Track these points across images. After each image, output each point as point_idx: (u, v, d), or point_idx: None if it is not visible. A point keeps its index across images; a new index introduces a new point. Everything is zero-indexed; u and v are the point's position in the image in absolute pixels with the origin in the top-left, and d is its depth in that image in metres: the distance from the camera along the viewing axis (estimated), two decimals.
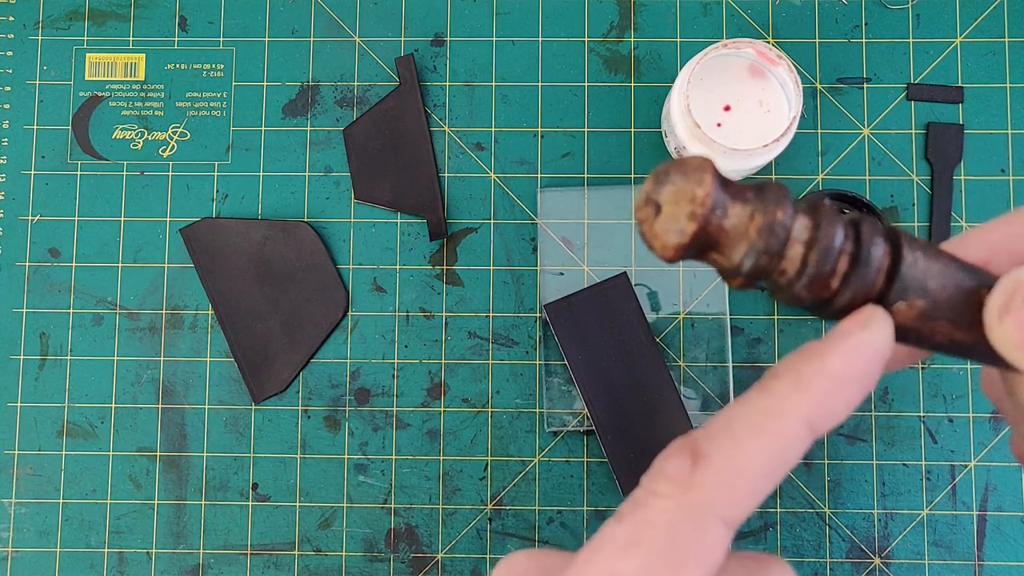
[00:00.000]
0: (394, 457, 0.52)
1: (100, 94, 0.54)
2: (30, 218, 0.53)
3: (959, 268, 0.20)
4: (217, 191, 0.53)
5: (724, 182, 0.19)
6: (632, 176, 0.53)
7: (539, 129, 0.53)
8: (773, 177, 0.52)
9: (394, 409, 0.52)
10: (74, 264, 0.53)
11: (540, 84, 0.54)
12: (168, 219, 0.53)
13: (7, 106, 0.54)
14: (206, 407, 0.52)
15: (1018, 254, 0.22)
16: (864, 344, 0.19)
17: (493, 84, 0.54)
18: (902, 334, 0.20)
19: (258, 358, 0.52)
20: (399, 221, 0.53)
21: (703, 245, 0.19)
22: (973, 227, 0.52)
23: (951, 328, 0.20)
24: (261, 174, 0.53)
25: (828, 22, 0.53)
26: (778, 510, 0.51)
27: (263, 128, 0.54)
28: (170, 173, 0.54)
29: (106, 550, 0.51)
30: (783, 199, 0.19)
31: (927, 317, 0.20)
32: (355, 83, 0.54)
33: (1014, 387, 0.22)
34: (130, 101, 0.54)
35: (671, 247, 0.19)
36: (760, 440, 0.18)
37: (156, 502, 0.52)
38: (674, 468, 0.19)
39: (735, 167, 0.48)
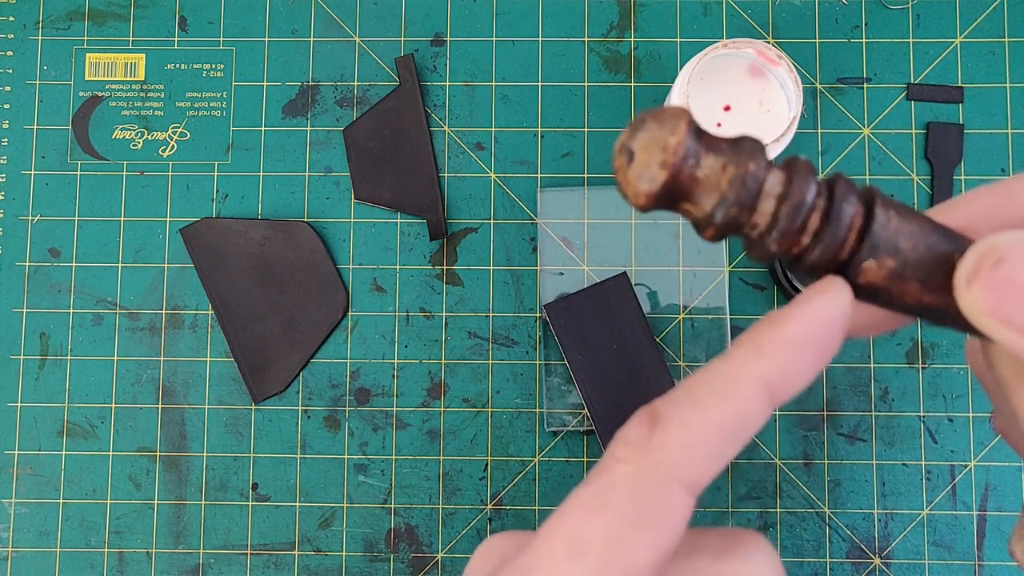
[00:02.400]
0: (394, 457, 0.52)
1: (100, 94, 0.54)
2: (30, 218, 0.53)
3: (934, 230, 0.20)
4: (217, 191, 0.53)
5: (699, 132, 0.19)
6: None
7: (539, 129, 0.53)
8: None
9: (394, 409, 0.52)
10: (74, 264, 0.53)
11: (540, 84, 0.54)
12: (168, 219, 0.53)
13: (7, 106, 0.54)
14: (206, 407, 0.52)
15: (998, 225, 0.21)
16: (821, 309, 0.19)
17: (493, 84, 0.54)
18: (872, 293, 0.20)
19: (258, 358, 0.52)
20: (399, 221, 0.53)
21: (675, 194, 0.19)
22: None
23: (921, 290, 0.20)
24: (261, 174, 0.53)
25: (828, 22, 0.53)
26: (778, 510, 0.51)
27: (263, 128, 0.54)
28: (170, 173, 0.54)
29: (106, 550, 0.51)
30: (757, 152, 0.19)
31: (897, 277, 0.20)
32: (355, 83, 0.54)
33: (992, 358, 0.21)
34: (130, 101, 0.54)
35: (643, 194, 0.19)
36: (717, 403, 0.19)
37: (156, 502, 0.52)
38: (634, 433, 0.19)
39: None
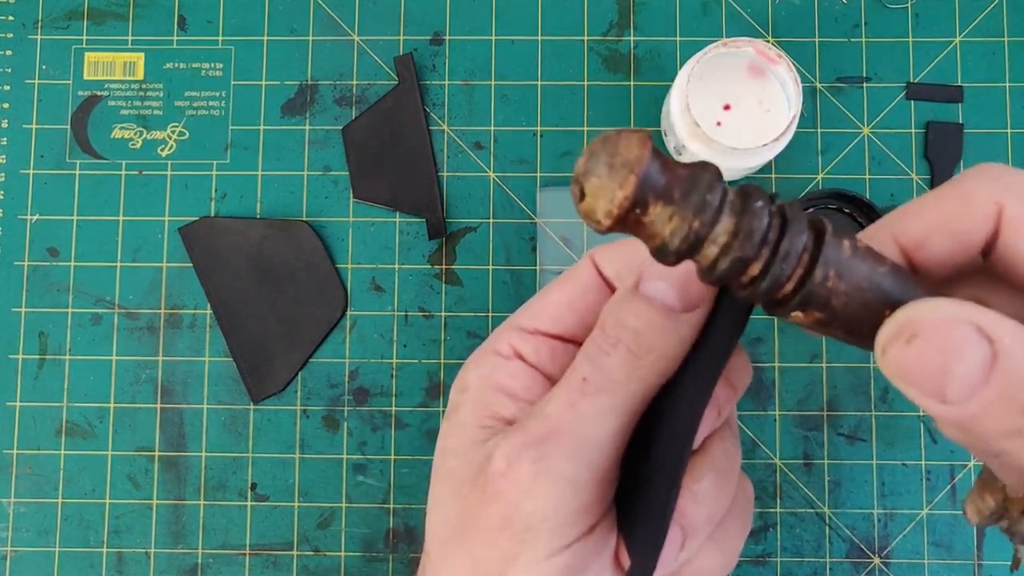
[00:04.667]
0: (393, 457, 0.51)
1: (99, 93, 0.54)
2: (29, 217, 0.53)
3: (874, 282, 0.20)
4: (216, 190, 0.53)
5: (655, 172, 0.20)
6: None
7: (538, 128, 0.53)
8: (773, 177, 0.52)
9: (393, 409, 0.52)
10: (73, 263, 0.53)
11: (539, 83, 0.53)
12: (167, 218, 0.53)
13: (6, 105, 0.54)
14: (205, 407, 0.52)
15: (953, 232, 0.22)
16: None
17: (492, 83, 0.54)
18: (800, 326, 0.22)
19: (257, 358, 0.52)
20: (398, 220, 0.53)
21: (623, 230, 0.21)
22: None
23: (844, 335, 0.21)
24: (260, 173, 0.53)
25: (828, 21, 0.53)
26: (778, 510, 0.51)
27: (262, 127, 0.54)
28: (169, 172, 0.54)
29: (105, 549, 0.51)
30: (705, 206, 0.20)
31: (823, 325, 0.21)
32: (354, 82, 0.54)
33: None
34: (129, 100, 0.54)
35: (592, 227, 0.20)
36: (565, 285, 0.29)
37: (155, 502, 0.52)
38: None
39: (735, 166, 0.48)
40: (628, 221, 0.20)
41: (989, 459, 0.21)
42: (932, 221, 0.22)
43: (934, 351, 0.19)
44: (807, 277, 0.20)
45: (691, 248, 0.20)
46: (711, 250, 0.20)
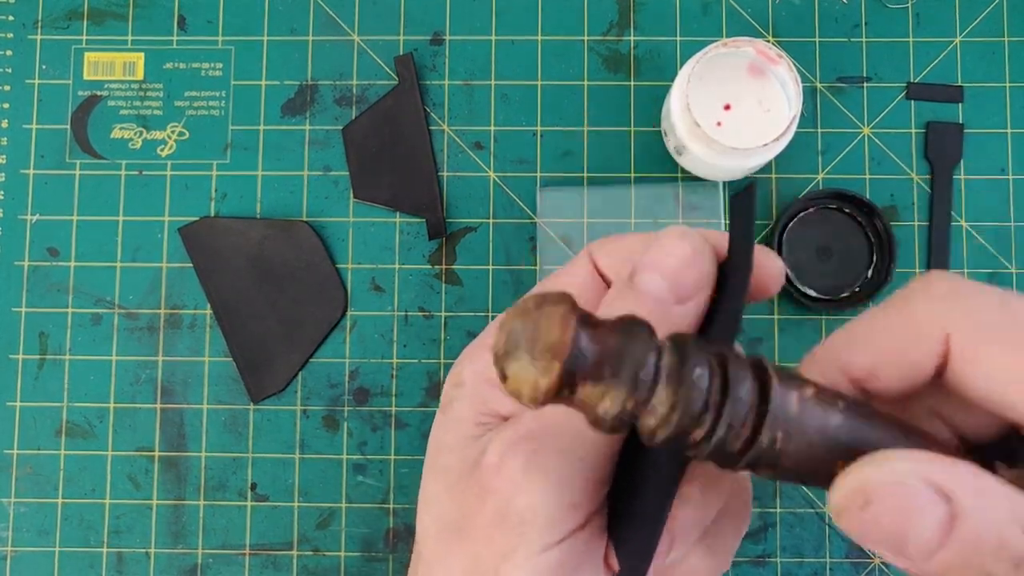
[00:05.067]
0: (393, 457, 0.51)
1: (99, 93, 0.54)
2: (29, 217, 0.53)
3: (825, 436, 0.20)
4: (216, 190, 0.53)
5: (582, 351, 0.18)
6: (632, 175, 0.53)
7: (538, 128, 0.53)
8: (773, 177, 0.52)
9: (393, 409, 0.52)
10: (73, 263, 0.53)
11: (539, 83, 0.53)
12: (167, 218, 0.53)
13: (6, 105, 0.54)
14: (204, 407, 0.52)
15: (902, 363, 0.22)
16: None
17: (492, 83, 0.54)
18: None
19: (257, 358, 0.52)
20: (398, 220, 0.53)
21: (555, 404, 0.19)
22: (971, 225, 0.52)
23: (796, 482, 0.21)
24: (260, 173, 0.53)
25: (828, 21, 0.53)
26: (778, 510, 0.51)
27: (262, 127, 0.54)
28: (169, 172, 0.54)
29: (105, 549, 0.51)
30: (638, 384, 0.18)
31: (775, 478, 0.20)
32: (354, 82, 0.54)
33: None
34: (129, 100, 0.54)
35: (522, 403, 0.19)
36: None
37: (155, 502, 0.52)
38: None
39: (735, 166, 0.48)
40: (558, 399, 0.19)
41: None
42: (880, 352, 0.22)
43: (890, 515, 0.18)
44: (753, 441, 0.19)
45: (628, 421, 0.19)
46: (649, 422, 0.19)
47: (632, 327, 0.19)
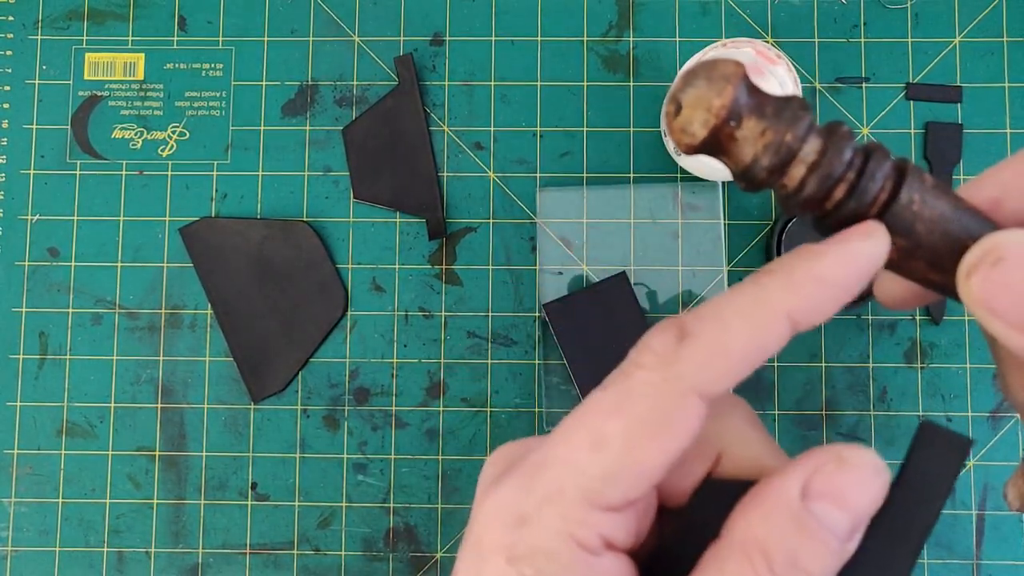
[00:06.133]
0: (393, 457, 0.52)
1: (99, 94, 0.54)
2: (29, 218, 0.53)
3: (956, 216, 0.21)
4: (216, 190, 0.53)
5: (748, 90, 0.20)
6: (631, 175, 0.53)
7: (538, 129, 0.53)
8: None
9: (393, 408, 0.52)
10: (73, 264, 0.53)
11: (539, 83, 0.54)
12: (167, 219, 0.53)
13: (7, 106, 0.54)
14: (205, 406, 0.52)
15: None
16: (858, 253, 0.20)
17: (492, 84, 0.54)
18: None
19: (257, 357, 0.52)
20: (398, 221, 0.53)
21: (714, 149, 0.21)
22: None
23: (927, 268, 0.21)
24: (260, 174, 0.53)
25: (827, 22, 0.53)
26: None
27: (262, 127, 0.54)
28: (169, 173, 0.54)
29: (105, 549, 0.51)
30: (797, 120, 0.20)
31: (907, 254, 0.21)
32: (354, 82, 0.54)
33: (991, 337, 0.22)
34: (129, 101, 0.54)
35: (683, 144, 0.21)
36: (744, 325, 0.19)
37: (155, 501, 0.52)
38: (660, 343, 0.20)
39: None
40: (722, 135, 0.20)
41: None
42: (1010, 179, 0.22)
43: (1021, 275, 0.18)
44: (893, 199, 0.20)
45: (781, 164, 0.20)
46: (799, 170, 0.20)
47: (791, 96, 0.21)
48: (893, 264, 0.21)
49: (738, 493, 0.20)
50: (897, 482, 0.21)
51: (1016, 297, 0.18)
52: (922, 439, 0.21)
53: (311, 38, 0.54)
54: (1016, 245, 0.19)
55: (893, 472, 0.20)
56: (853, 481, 0.20)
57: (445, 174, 0.53)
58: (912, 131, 0.53)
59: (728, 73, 0.20)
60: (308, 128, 0.54)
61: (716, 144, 0.20)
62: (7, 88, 0.54)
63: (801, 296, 0.19)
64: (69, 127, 0.54)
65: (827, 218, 0.21)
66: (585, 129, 0.53)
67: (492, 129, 0.53)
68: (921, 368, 0.51)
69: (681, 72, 0.20)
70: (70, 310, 0.53)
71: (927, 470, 0.21)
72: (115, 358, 0.53)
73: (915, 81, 0.53)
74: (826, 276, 0.19)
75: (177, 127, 0.54)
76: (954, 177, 0.52)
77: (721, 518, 0.20)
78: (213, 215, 0.53)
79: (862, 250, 0.20)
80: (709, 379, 0.19)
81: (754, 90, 0.20)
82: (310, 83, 0.54)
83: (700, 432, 0.20)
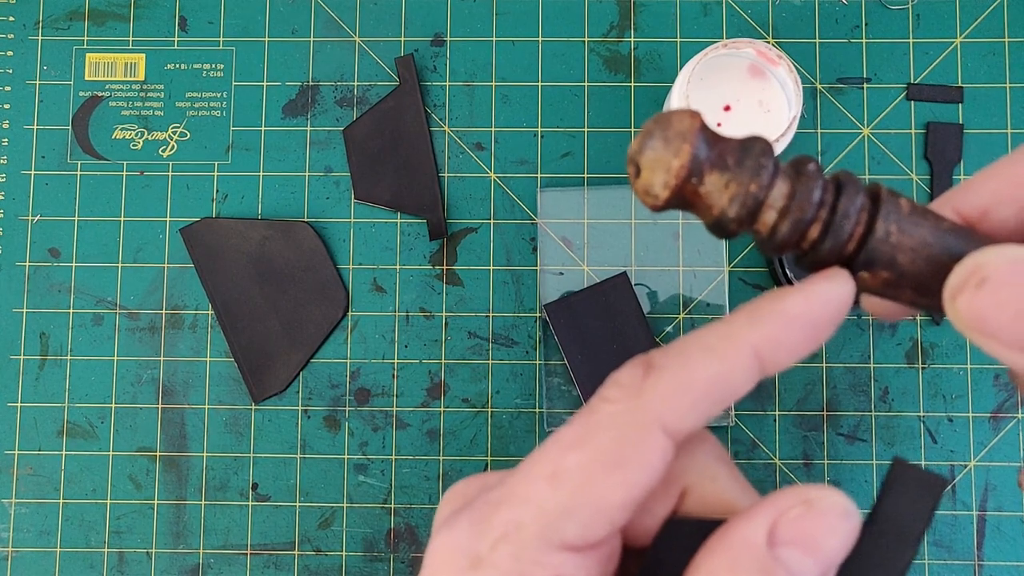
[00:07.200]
0: (394, 457, 0.52)
1: (100, 94, 0.54)
2: (30, 218, 0.53)
3: (936, 237, 0.20)
4: (217, 191, 0.53)
5: (708, 142, 0.20)
6: None
7: (539, 129, 0.53)
8: None
9: (394, 409, 0.52)
10: (74, 264, 0.53)
11: (540, 84, 0.54)
12: (168, 219, 0.53)
13: (7, 106, 0.54)
14: (206, 407, 0.52)
15: (1019, 199, 0.22)
16: (820, 293, 0.20)
17: (493, 84, 0.54)
18: (868, 291, 0.21)
19: (258, 358, 0.52)
20: (399, 221, 0.53)
21: (681, 204, 0.21)
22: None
23: (914, 295, 0.21)
24: (261, 174, 0.53)
25: (828, 22, 0.53)
26: None
27: (263, 128, 0.54)
28: (170, 173, 0.54)
29: (106, 550, 0.51)
30: (760, 169, 0.20)
31: (891, 285, 0.21)
32: (355, 83, 0.54)
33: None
34: (130, 101, 0.54)
35: (648, 205, 0.21)
36: (708, 358, 0.19)
37: (156, 502, 0.52)
38: (627, 377, 0.20)
39: None
40: (685, 192, 0.20)
41: None
42: (996, 190, 0.22)
43: (1008, 293, 0.18)
44: (869, 234, 0.20)
45: (750, 215, 0.20)
46: (769, 215, 0.20)
47: (751, 136, 0.21)
48: (880, 294, 0.21)
49: (704, 533, 0.19)
50: (869, 523, 0.20)
51: (1006, 316, 0.18)
52: (895, 478, 0.20)
53: (312, 38, 0.54)
54: (998, 263, 0.18)
55: (864, 513, 0.20)
56: (821, 526, 0.19)
57: (446, 174, 0.53)
58: (913, 131, 0.53)
59: (683, 130, 0.20)
60: (309, 128, 0.54)
61: (681, 201, 0.20)
62: (8, 88, 0.54)
63: (765, 332, 0.19)
64: (70, 128, 0.54)
65: (806, 256, 0.21)
66: (586, 129, 0.53)
67: (493, 129, 0.53)
68: (922, 368, 0.51)
69: (639, 131, 0.21)
70: (71, 310, 0.53)
71: (900, 511, 0.20)
72: (116, 358, 0.52)
73: (916, 81, 0.53)
74: (788, 311, 0.20)
75: (178, 127, 0.54)
76: (954, 177, 0.52)
77: (686, 560, 0.19)
78: (214, 215, 0.53)
79: (823, 290, 0.20)
80: (673, 412, 0.19)
81: (714, 139, 0.20)
82: (311, 83, 0.54)
83: (665, 471, 0.19)
